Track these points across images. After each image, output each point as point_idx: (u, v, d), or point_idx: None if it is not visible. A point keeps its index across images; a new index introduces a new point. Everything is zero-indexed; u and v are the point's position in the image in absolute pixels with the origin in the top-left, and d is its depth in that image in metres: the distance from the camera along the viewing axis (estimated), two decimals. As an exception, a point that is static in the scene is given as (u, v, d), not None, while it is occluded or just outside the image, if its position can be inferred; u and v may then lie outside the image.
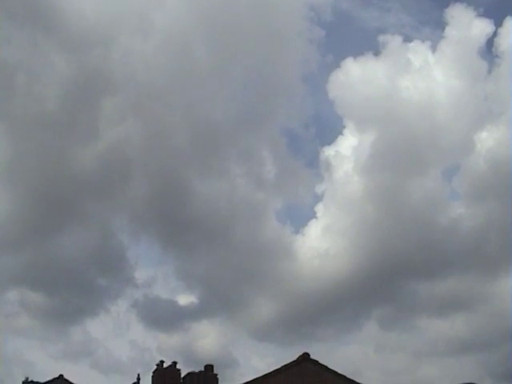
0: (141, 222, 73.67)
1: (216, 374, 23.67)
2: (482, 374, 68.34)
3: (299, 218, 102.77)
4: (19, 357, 68.97)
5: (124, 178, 65.13)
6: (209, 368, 23.94)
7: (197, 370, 23.96)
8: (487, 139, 60.47)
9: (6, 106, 57.24)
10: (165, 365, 25.45)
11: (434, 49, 58.50)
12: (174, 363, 25.65)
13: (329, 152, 70.26)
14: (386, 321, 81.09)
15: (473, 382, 11.94)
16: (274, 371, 18.88)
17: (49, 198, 61.35)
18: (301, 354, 19.30)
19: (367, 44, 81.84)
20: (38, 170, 58.71)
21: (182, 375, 24.50)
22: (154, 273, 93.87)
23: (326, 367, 19.22)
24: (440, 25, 73.79)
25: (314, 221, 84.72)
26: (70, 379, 29.14)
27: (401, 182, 71.58)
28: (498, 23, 61.03)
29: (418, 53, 56.86)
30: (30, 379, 30.09)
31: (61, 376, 28.76)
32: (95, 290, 76.06)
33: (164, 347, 74.08)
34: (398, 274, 73.81)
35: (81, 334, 79.98)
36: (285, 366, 19.06)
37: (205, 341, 79.52)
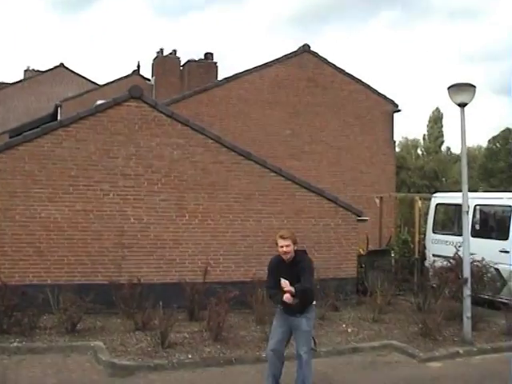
0: None
1: (215, 62, 23.25)
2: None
3: None
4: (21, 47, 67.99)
5: None
6: (208, 56, 23.42)
7: (197, 59, 23.45)
8: None
9: None
10: (165, 53, 25.05)
11: None
12: (174, 51, 25.18)
13: None
14: (393, 23, 77.63)
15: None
16: (273, 60, 18.44)
17: None
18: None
19: None
20: None
21: (182, 63, 24.23)
22: None
23: (326, 60, 18.69)
24: None
25: None
26: (72, 68, 29.08)
27: None
28: None
29: None
30: (31, 68, 29.98)
31: (61, 64, 28.58)
32: None
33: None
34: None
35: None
36: (284, 55, 18.56)
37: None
